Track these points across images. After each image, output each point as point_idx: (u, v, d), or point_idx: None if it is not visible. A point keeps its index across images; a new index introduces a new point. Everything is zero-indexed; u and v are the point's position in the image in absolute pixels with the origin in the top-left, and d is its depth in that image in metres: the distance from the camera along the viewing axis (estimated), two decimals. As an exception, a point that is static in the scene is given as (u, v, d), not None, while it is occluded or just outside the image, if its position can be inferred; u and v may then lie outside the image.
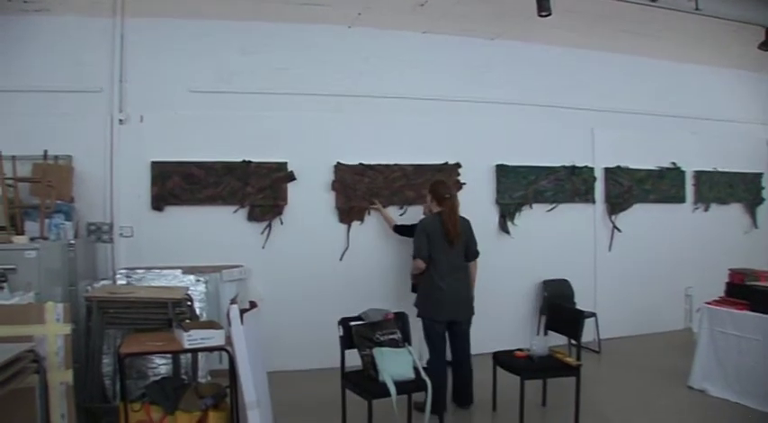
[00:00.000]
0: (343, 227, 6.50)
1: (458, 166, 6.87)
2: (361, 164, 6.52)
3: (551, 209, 7.33)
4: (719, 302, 5.49)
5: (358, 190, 6.52)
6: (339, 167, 6.48)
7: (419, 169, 6.70)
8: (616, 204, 7.65)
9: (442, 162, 6.81)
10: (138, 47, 6.09)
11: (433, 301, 4.98)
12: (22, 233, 4.94)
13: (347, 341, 4.48)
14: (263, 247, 6.25)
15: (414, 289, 5.56)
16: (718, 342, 5.36)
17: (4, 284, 4.27)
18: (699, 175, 8.19)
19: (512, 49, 7.21)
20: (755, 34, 6.69)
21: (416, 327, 4.98)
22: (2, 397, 3.01)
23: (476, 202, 6.71)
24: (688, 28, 6.71)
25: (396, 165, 6.66)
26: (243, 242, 6.24)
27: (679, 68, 8.12)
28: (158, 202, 6.04)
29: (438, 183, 5.31)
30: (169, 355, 4.68)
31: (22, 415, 3.53)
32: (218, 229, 6.17)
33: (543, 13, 5.54)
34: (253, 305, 4.18)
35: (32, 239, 4.88)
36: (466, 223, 5.19)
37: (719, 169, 8.31)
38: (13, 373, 3.13)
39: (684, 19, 6.22)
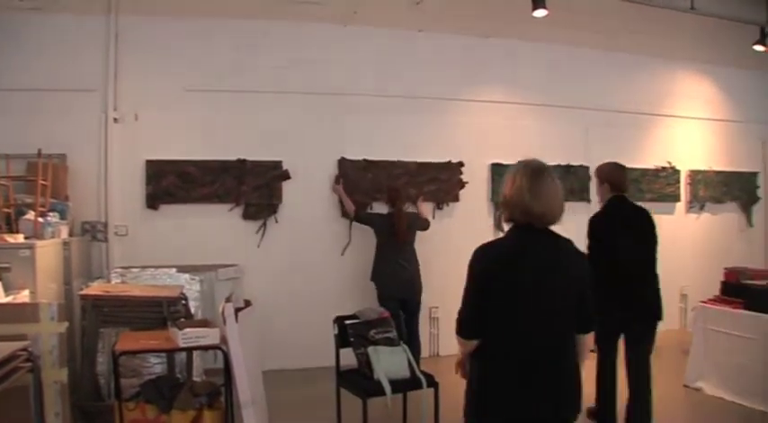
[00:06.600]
0: (345, 221, 6.46)
1: (460, 164, 6.88)
2: (365, 159, 6.54)
3: (546, 208, 7.31)
4: (715, 301, 5.50)
5: (361, 186, 6.51)
6: (343, 162, 6.49)
7: (422, 167, 6.73)
8: (611, 203, 7.63)
9: (446, 161, 6.83)
10: (132, 45, 6.07)
11: None
12: (16, 232, 4.91)
13: (342, 339, 4.47)
14: (259, 246, 6.25)
15: None
16: (712, 341, 5.37)
17: (-1, 283, 4.25)
18: (694, 174, 8.20)
19: (507, 47, 7.21)
20: (751, 33, 6.69)
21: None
22: (-4, 395, 3.01)
23: (472, 201, 6.80)
24: (683, 26, 6.72)
25: (399, 161, 6.67)
26: (238, 241, 6.24)
27: (674, 67, 8.12)
28: (153, 201, 6.04)
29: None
30: (164, 354, 4.66)
31: (16, 414, 3.51)
32: (214, 227, 6.18)
33: (538, 12, 5.56)
34: (247, 304, 4.17)
35: (27, 238, 4.86)
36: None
37: (715, 168, 8.33)
38: (6, 371, 3.13)
39: (679, 17, 6.23)
